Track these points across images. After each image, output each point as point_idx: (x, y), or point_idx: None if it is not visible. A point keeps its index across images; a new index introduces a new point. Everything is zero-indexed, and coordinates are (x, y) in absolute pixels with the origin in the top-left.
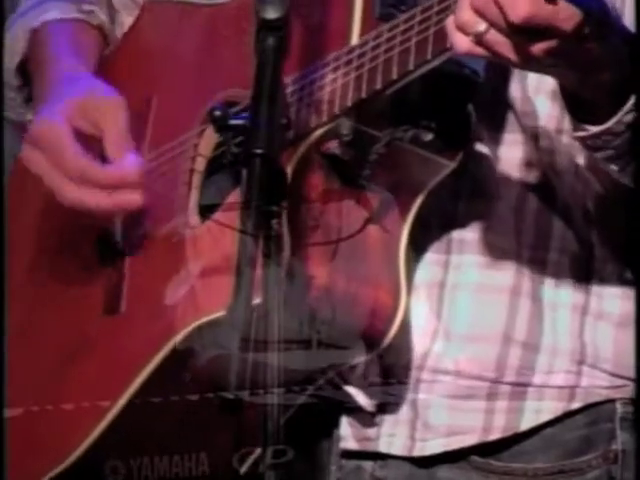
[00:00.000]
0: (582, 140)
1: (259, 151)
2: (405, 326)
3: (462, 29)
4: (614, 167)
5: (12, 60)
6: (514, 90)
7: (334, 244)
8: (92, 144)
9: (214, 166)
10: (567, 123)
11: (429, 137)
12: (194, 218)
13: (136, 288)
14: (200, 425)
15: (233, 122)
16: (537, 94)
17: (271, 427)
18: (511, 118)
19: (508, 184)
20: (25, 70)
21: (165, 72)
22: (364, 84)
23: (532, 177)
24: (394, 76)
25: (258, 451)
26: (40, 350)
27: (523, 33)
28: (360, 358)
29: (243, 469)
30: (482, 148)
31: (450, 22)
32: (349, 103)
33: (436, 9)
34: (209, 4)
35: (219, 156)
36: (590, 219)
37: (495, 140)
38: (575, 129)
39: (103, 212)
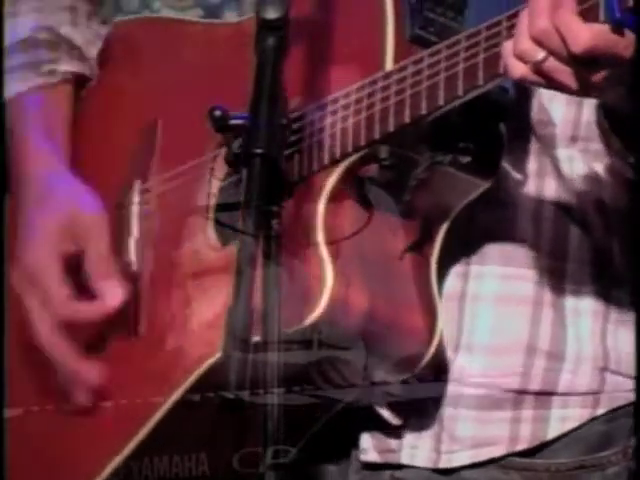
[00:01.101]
0: (624, 155)
1: (259, 151)
2: (441, 346)
3: (521, 58)
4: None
5: None
6: (531, 99)
7: (371, 271)
8: (74, 261)
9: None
10: (583, 129)
11: (467, 159)
12: (213, 239)
13: (154, 311)
14: (200, 425)
15: (233, 122)
16: (551, 101)
17: (271, 427)
18: (527, 127)
19: (525, 193)
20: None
21: (171, 93)
22: (407, 109)
23: (548, 186)
24: (441, 102)
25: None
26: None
27: (584, 62)
28: (361, 359)
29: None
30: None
31: (507, 48)
32: (391, 128)
33: (484, 35)
34: (217, 23)
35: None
36: (608, 226)
37: (511, 150)
38: (617, 143)
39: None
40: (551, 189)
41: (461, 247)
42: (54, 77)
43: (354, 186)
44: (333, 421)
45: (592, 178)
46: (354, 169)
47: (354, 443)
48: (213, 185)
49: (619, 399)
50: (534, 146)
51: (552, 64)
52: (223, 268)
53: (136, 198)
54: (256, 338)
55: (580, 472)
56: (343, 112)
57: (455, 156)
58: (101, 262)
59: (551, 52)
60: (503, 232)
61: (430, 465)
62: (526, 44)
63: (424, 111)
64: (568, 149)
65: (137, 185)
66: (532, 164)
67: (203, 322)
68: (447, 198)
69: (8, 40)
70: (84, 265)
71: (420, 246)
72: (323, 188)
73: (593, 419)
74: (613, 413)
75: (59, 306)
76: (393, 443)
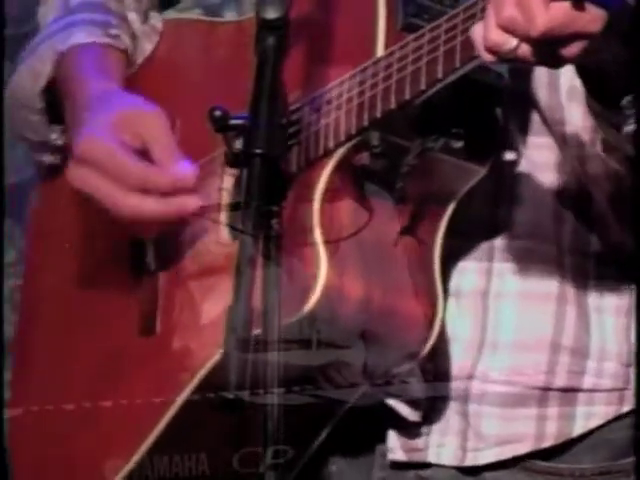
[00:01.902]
0: (606, 117)
1: (259, 151)
2: (443, 335)
3: (493, 50)
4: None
5: (37, 83)
6: (545, 97)
7: (368, 258)
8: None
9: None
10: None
11: (459, 145)
12: (224, 236)
13: (170, 309)
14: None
15: (233, 122)
16: (570, 100)
17: (271, 427)
18: (541, 124)
19: (546, 190)
20: (51, 93)
21: (188, 94)
22: (392, 95)
23: (568, 183)
24: (422, 86)
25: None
26: (75, 371)
27: (550, 43)
28: (360, 359)
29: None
30: (518, 155)
31: (476, 33)
32: (378, 114)
33: (462, 17)
34: (228, 22)
35: None
36: (623, 222)
37: (530, 146)
38: (596, 106)
39: (162, 219)
40: (571, 187)
41: (482, 244)
42: (120, 43)
43: (348, 175)
44: (351, 417)
45: (608, 175)
46: (348, 158)
47: (376, 439)
48: (225, 180)
49: None
50: (551, 142)
51: (524, 48)
52: (231, 264)
53: None
54: (257, 331)
55: (605, 478)
56: (336, 102)
57: (447, 141)
58: (167, 147)
59: (521, 38)
60: (525, 228)
61: (456, 463)
62: (494, 34)
63: (408, 96)
64: (585, 147)
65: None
66: (550, 160)
67: (210, 320)
68: (444, 184)
69: (69, 1)
70: (152, 156)
71: (416, 232)
72: (318, 179)
73: (619, 417)
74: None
75: (132, 168)
76: (420, 442)
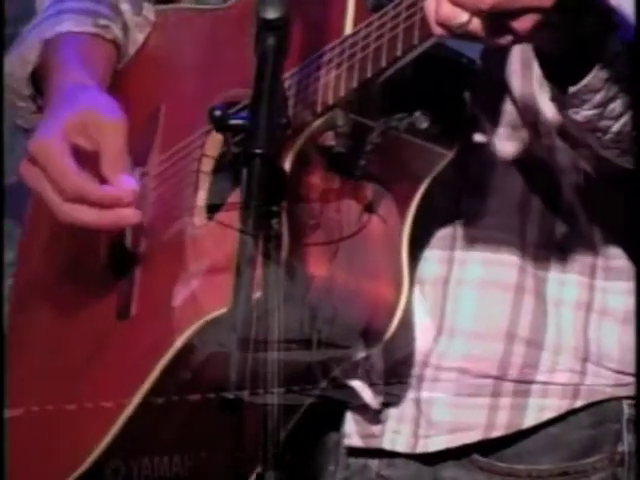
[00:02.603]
0: (561, 102)
1: (259, 151)
2: (407, 320)
3: (444, 25)
4: (597, 134)
5: (25, 69)
6: (517, 85)
7: (332, 239)
8: (90, 161)
9: (221, 166)
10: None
11: (424, 125)
12: (201, 218)
13: (145, 291)
14: (201, 425)
15: (233, 122)
16: (541, 88)
17: (271, 427)
18: (514, 113)
19: (512, 180)
20: (37, 79)
21: (173, 79)
22: (355, 73)
23: (536, 173)
24: (383, 63)
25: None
26: (58, 357)
27: (501, 16)
28: (361, 353)
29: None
30: (485, 143)
31: (429, 8)
32: (342, 93)
33: None
34: (214, 7)
35: (224, 156)
36: (594, 216)
37: (499, 135)
38: (553, 90)
39: (99, 228)
40: (540, 177)
41: (445, 232)
42: (108, 33)
43: (313, 154)
44: (316, 408)
45: (577, 167)
46: (314, 137)
47: (337, 426)
48: (204, 162)
49: (600, 392)
50: (522, 132)
51: (475, 23)
52: (205, 245)
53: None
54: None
55: (563, 478)
56: (305, 81)
57: (412, 122)
58: (116, 159)
59: (472, 12)
60: (489, 218)
61: (408, 450)
62: (445, 8)
63: (369, 74)
64: (556, 137)
65: (137, 170)
66: (520, 150)
67: (182, 302)
68: (410, 166)
69: None
70: (100, 164)
71: (380, 213)
72: (285, 158)
73: (576, 416)
74: (599, 417)
75: (69, 180)
76: (376, 428)
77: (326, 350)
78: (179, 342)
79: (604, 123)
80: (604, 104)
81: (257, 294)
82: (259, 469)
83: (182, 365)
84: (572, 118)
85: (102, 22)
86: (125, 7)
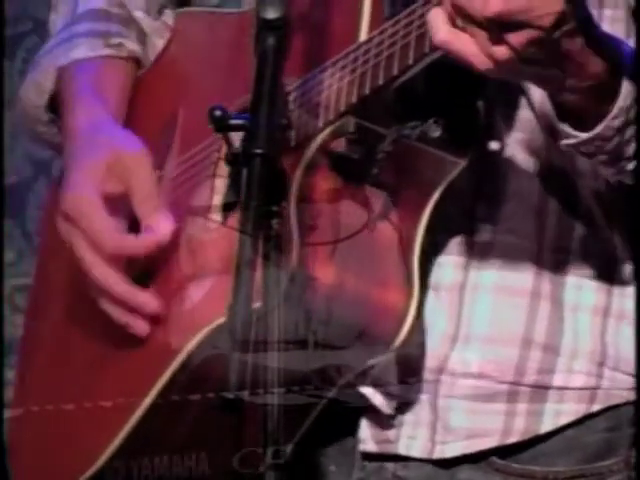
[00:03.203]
0: (574, 147)
1: (259, 151)
2: (418, 327)
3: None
4: (612, 170)
5: (41, 98)
6: (533, 90)
7: (341, 243)
8: (120, 203)
9: (234, 170)
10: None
11: (437, 134)
12: (215, 223)
13: (158, 295)
14: (200, 424)
15: (233, 122)
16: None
17: (271, 427)
18: (531, 118)
19: (529, 185)
20: (55, 105)
21: (191, 83)
22: (367, 80)
23: (553, 178)
24: (395, 71)
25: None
26: (65, 363)
27: (501, 27)
28: (372, 360)
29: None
30: (502, 148)
31: (434, 13)
32: (354, 100)
33: (436, 1)
34: (233, 12)
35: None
36: (612, 220)
37: (515, 140)
38: (566, 137)
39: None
40: (556, 181)
41: (461, 238)
42: (121, 51)
43: (325, 161)
44: (329, 412)
45: (595, 171)
46: (325, 144)
47: (352, 430)
48: (220, 166)
49: (616, 397)
50: (538, 137)
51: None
52: (219, 248)
53: None
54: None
55: None
56: (317, 88)
57: (424, 130)
58: (147, 198)
59: (473, 20)
60: (506, 223)
61: (425, 455)
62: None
63: (381, 81)
64: None
65: (155, 173)
66: (537, 155)
67: (192, 307)
68: (422, 175)
69: (76, 8)
70: (132, 204)
71: (393, 221)
72: (297, 165)
73: (592, 419)
74: (615, 421)
75: (107, 238)
76: (391, 434)
77: (324, 352)
78: (185, 350)
79: (620, 165)
80: (617, 150)
81: (257, 302)
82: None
83: (189, 370)
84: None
85: (114, 41)
86: (139, 14)
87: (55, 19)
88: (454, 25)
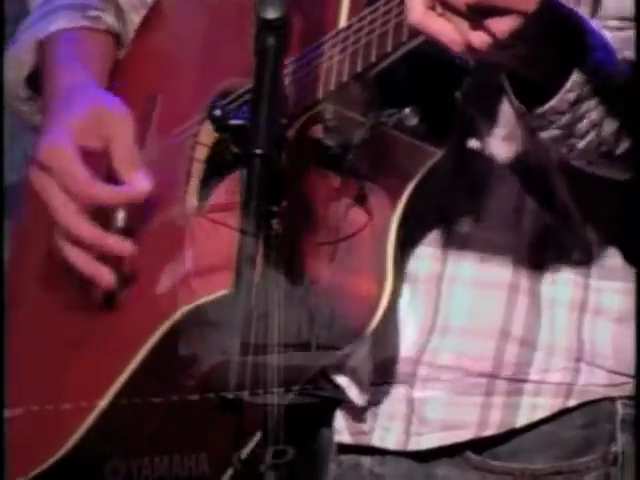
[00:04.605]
0: (527, 120)
1: (259, 151)
2: (393, 316)
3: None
4: (563, 146)
5: (20, 73)
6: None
7: (318, 233)
8: (100, 159)
9: (215, 155)
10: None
11: (414, 122)
12: (192, 206)
13: (133, 278)
14: (200, 424)
15: (233, 122)
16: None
17: (271, 427)
18: (509, 114)
19: (508, 181)
20: (35, 82)
21: (171, 68)
22: (346, 67)
23: (530, 173)
24: (373, 58)
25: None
26: (44, 349)
27: (481, 13)
28: (345, 349)
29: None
30: (481, 144)
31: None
32: (332, 87)
33: None
34: None
35: (219, 144)
36: (588, 216)
37: (494, 136)
38: (520, 109)
39: (94, 248)
40: (535, 177)
41: (440, 231)
42: (100, 24)
43: (302, 147)
44: (307, 405)
45: (571, 167)
46: (303, 131)
47: (327, 424)
48: (198, 150)
49: (593, 392)
50: (517, 132)
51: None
52: (197, 232)
53: None
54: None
55: (557, 478)
56: (292, 76)
57: (400, 118)
58: (127, 156)
59: (453, 7)
60: (484, 217)
61: (400, 447)
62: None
63: (359, 69)
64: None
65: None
66: (515, 151)
67: (165, 291)
68: (398, 163)
69: None
70: (111, 161)
71: (367, 208)
72: None
73: (570, 415)
74: (592, 417)
75: (81, 185)
76: (365, 425)
77: (326, 354)
78: (164, 328)
79: (570, 141)
80: (570, 125)
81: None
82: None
83: (167, 353)
84: (540, 135)
85: (92, 14)
86: None
87: None
88: (433, 9)
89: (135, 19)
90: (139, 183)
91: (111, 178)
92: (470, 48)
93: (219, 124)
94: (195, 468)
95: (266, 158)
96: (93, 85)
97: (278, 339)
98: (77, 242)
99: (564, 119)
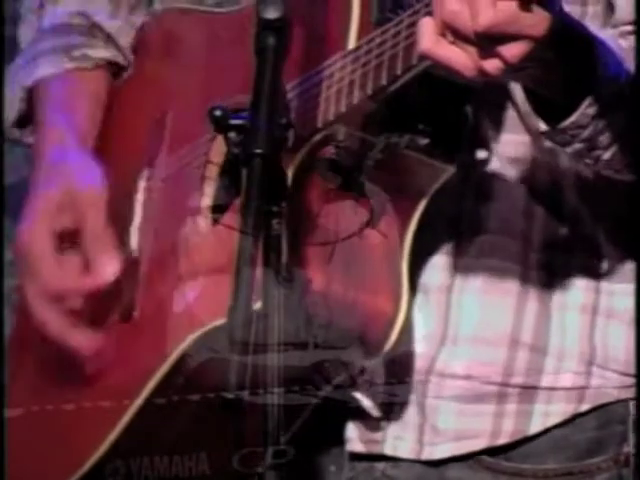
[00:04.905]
0: (550, 136)
1: (259, 151)
2: (407, 331)
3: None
4: (588, 159)
5: (11, 115)
6: (518, 90)
7: (331, 249)
8: (74, 238)
9: (225, 171)
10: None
11: (425, 141)
12: (205, 223)
13: (148, 294)
14: (201, 425)
15: (233, 122)
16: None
17: (271, 427)
18: (516, 119)
19: (515, 186)
20: (26, 124)
21: (180, 85)
22: (356, 90)
23: (539, 178)
24: (383, 81)
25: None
26: (61, 359)
27: (492, 40)
28: (361, 363)
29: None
30: (488, 150)
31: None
32: (343, 109)
33: (424, 11)
34: (223, 11)
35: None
36: (597, 219)
37: (501, 142)
38: (542, 125)
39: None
40: (543, 182)
41: (448, 240)
42: (86, 62)
43: (315, 169)
44: (319, 414)
45: (580, 170)
46: (314, 152)
47: (341, 430)
48: (209, 169)
49: (605, 395)
50: (524, 138)
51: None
52: (216, 249)
53: (142, 185)
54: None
55: (568, 478)
56: (305, 95)
57: (412, 138)
58: (96, 237)
59: (462, 34)
60: (492, 224)
61: (413, 456)
62: (455, 5)
63: (369, 91)
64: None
65: (145, 173)
66: (522, 156)
67: (185, 306)
68: (411, 182)
69: (42, 21)
70: (81, 242)
71: (381, 227)
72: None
73: (582, 417)
74: (604, 419)
75: (47, 276)
76: (378, 434)
77: (323, 353)
78: (177, 351)
79: (595, 153)
80: (593, 138)
81: (257, 302)
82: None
83: (179, 373)
84: (563, 150)
85: (76, 54)
86: (100, 18)
87: (24, 32)
88: (444, 37)
89: (124, 41)
90: (104, 269)
91: None
92: (482, 73)
93: (219, 124)
94: (195, 468)
95: (266, 158)
96: (77, 151)
97: (278, 339)
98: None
99: (586, 132)
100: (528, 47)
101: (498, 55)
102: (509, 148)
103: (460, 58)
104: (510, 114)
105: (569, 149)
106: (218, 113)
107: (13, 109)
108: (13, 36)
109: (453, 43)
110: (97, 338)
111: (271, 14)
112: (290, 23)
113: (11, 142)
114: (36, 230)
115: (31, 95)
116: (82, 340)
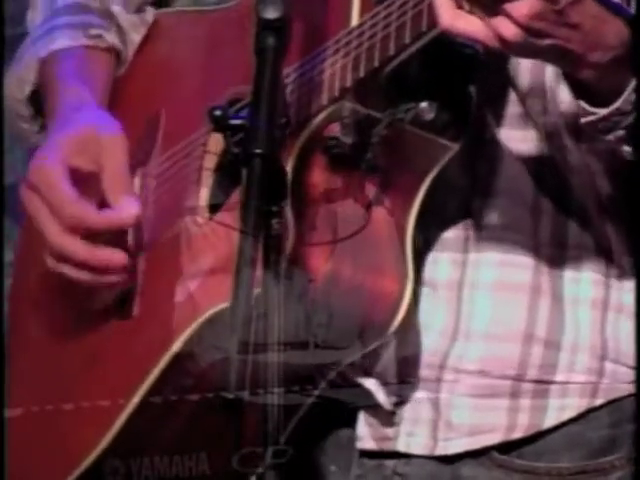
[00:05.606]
0: (593, 124)
1: (259, 151)
2: (412, 313)
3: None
4: (627, 148)
5: (23, 90)
6: (527, 83)
7: (338, 233)
8: (91, 182)
9: (224, 163)
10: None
11: (430, 116)
12: (203, 216)
13: (147, 290)
14: (201, 425)
15: (233, 122)
16: (558, 83)
17: (271, 427)
18: (525, 114)
19: (523, 181)
20: (37, 100)
21: (174, 81)
22: (362, 63)
23: (547, 174)
24: (391, 51)
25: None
26: (59, 357)
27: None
28: (363, 348)
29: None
30: (496, 145)
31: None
32: (348, 84)
33: None
34: (214, 9)
35: (227, 153)
36: (606, 213)
37: (509, 137)
38: (584, 114)
39: (84, 265)
40: (551, 178)
41: (457, 235)
42: (102, 42)
43: (320, 146)
44: (327, 407)
45: (588, 165)
46: (320, 129)
47: (351, 426)
48: (207, 159)
49: (618, 389)
50: (533, 133)
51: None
52: (208, 241)
53: (137, 183)
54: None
55: (582, 477)
56: (309, 74)
57: (417, 113)
58: (118, 179)
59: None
60: (502, 219)
61: (427, 452)
62: None
63: (376, 63)
64: (565, 138)
65: (139, 171)
66: (531, 151)
67: (183, 301)
68: (415, 158)
69: (54, 3)
70: (101, 184)
71: (386, 206)
72: (291, 151)
73: (595, 415)
74: (618, 417)
75: (67, 207)
76: (390, 431)
77: (323, 352)
78: (178, 343)
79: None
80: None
81: (257, 291)
82: (259, 469)
83: (181, 367)
84: (604, 139)
85: (94, 32)
86: (117, 9)
87: (33, 16)
88: (461, 9)
89: (135, 39)
90: (126, 209)
91: (105, 204)
92: (503, 41)
93: (219, 124)
94: (195, 468)
95: (266, 158)
96: (92, 104)
97: (278, 338)
98: (66, 259)
99: (629, 119)
100: (536, 6)
101: (508, 16)
102: (515, 143)
103: (481, 29)
104: (516, 109)
105: (610, 136)
106: (218, 113)
107: (27, 83)
108: (13, 36)
109: (471, 13)
110: (123, 256)
111: (271, 14)
112: (290, 22)
113: (19, 129)
114: (50, 162)
115: (44, 68)
116: (109, 254)
